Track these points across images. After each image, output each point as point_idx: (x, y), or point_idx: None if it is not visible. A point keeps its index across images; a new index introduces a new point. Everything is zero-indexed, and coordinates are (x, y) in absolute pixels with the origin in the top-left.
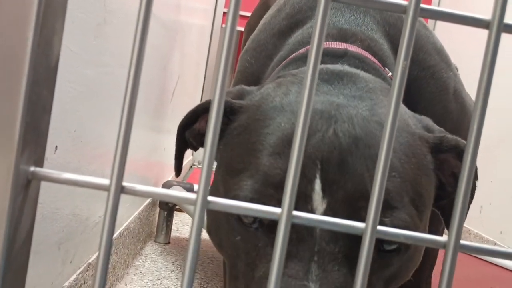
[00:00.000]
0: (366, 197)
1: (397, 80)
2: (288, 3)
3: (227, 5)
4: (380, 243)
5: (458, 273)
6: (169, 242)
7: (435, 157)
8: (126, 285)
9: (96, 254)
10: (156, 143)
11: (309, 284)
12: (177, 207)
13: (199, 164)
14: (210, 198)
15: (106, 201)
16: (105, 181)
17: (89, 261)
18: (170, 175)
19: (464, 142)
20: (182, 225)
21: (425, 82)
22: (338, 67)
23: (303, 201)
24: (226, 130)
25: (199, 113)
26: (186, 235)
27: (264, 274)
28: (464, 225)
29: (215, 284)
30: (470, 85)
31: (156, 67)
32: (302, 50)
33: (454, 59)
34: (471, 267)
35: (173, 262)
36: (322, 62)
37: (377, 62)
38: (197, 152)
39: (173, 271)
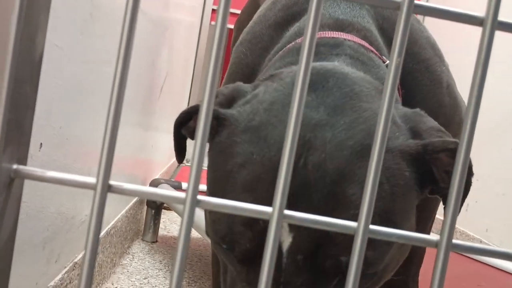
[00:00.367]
0: (324, 236)
1: (390, 78)
2: None
3: (216, 2)
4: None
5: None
6: (156, 241)
7: (426, 158)
8: (113, 284)
9: (82, 253)
10: (144, 140)
11: None
12: (165, 205)
13: (187, 162)
14: (199, 197)
15: (92, 199)
16: (92, 180)
17: (75, 260)
18: (158, 173)
19: (453, 140)
20: (170, 224)
21: (420, 75)
22: (327, 65)
23: None
24: (213, 139)
25: (192, 113)
26: (174, 234)
27: None
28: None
29: (203, 283)
30: (457, 82)
31: (144, 63)
32: (298, 40)
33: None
34: (457, 265)
35: (160, 261)
36: (318, 52)
37: (374, 50)
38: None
39: (160, 269)
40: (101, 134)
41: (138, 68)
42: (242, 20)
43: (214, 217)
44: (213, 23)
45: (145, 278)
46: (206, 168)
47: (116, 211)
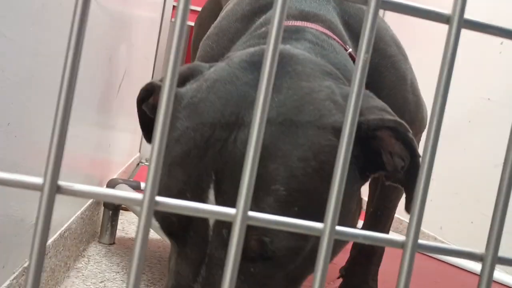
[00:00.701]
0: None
1: (358, 73)
2: None
3: None
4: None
5: None
6: (114, 243)
7: (363, 137)
8: None
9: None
10: (101, 139)
11: (194, 286)
12: (123, 205)
13: (146, 161)
14: (158, 198)
15: (39, 201)
16: (38, 180)
17: (25, 265)
18: (116, 173)
19: (392, 118)
20: (128, 225)
21: (386, 70)
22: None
23: None
24: None
25: (152, 91)
26: (132, 235)
27: (173, 268)
28: (407, 221)
29: (162, 285)
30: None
31: (100, 58)
32: (263, 29)
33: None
34: (414, 262)
35: (118, 264)
36: None
37: (337, 38)
38: (144, 149)
39: (118, 272)
40: None
41: (95, 64)
42: (203, 17)
43: None
44: (174, 19)
45: (101, 282)
46: None
47: (71, 212)
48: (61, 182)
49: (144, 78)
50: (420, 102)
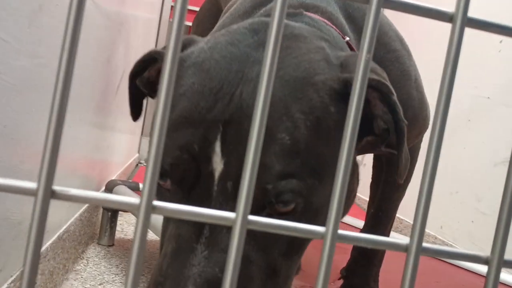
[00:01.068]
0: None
1: (360, 73)
2: None
3: None
4: (275, 205)
5: (403, 268)
6: (113, 244)
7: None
8: None
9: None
10: (99, 140)
11: (197, 246)
12: None
13: (145, 162)
14: (155, 202)
15: (33, 206)
16: (32, 185)
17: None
18: (115, 174)
19: (377, 78)
20: (128, 226)
21: (390, 64)
22: None
23: (205, 163)
24: None
25: (147, 63)
26: (132, 236)
27: (171, 230)
28: (407, 220)
29: None
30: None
31: (98, 60)
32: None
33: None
34: None
35: (117, 265)
36: None
37: (335, 28)
38: (143, 150)
39: (117, 274)
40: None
41: (92, 65)
42: (201, 17)
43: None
44: (172, 20)
45: (100, 284)
46: None
47: (69, 214)
48: (56, 187)
49: None
50: (424, 99)
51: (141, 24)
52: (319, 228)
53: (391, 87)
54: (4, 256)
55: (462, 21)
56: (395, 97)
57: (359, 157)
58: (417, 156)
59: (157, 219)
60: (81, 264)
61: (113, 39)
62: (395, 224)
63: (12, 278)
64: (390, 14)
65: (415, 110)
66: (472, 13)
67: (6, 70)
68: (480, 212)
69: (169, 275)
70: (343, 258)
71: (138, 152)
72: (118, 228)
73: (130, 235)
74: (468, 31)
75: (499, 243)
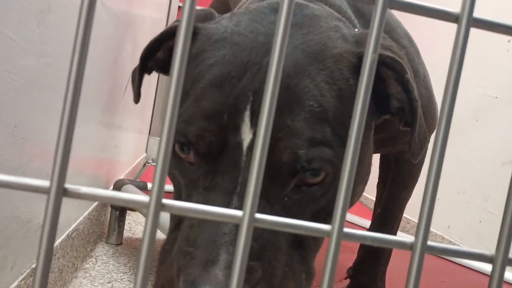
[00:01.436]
0: (283, 128)
1: (365, 73)
2: None
3: None
4: (306, 172)
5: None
6: (121, 243)
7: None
8: None
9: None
10: (107, 139)
11: None
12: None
13: (153, 162)
14: (164, 201)
15: (45, 204)
16: (45, 183)
17: (33, 266)
18: (123, 173)
19: (390, 55)
20: (135, 225)
21: None
22: None
23: (233, 133)
24: None
25: (162, 41)
26: (140, 235)
27: (202, 202)
28: (414, 220)
29: None
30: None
31: (106, 59)
32: None
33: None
34: None
35: (125, 264)
36: None
37: (342, 18)
38: (151, 149)
39: (125, 273)
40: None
41: (100, 65)
42: None
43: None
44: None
45: (108, 282)
46: None
47: (78, 213)
48: (68, 185)
49: (149, 79)
50: (432, 98)
51: (148, 24)
52: (325, 226)
53: (405, 65)
54: (14, 254)
55: (467, 21)
56: (408, 76)
57: None
58: (425, 156)
59: (165, 219)
60: (90, 263)
61: (121, 39)
62: (402, 224)
63: (23, 276)
64: (397, 14)
65: (423, 108)
66: (477, 13)
67: (14, 70)
68: (488, 211)
69: (199, 244)
70: (349, 258)
71: (146, 151)
72: (126, 227)
73: (138, 234)
74: (475, 31)
75: (504, 241)
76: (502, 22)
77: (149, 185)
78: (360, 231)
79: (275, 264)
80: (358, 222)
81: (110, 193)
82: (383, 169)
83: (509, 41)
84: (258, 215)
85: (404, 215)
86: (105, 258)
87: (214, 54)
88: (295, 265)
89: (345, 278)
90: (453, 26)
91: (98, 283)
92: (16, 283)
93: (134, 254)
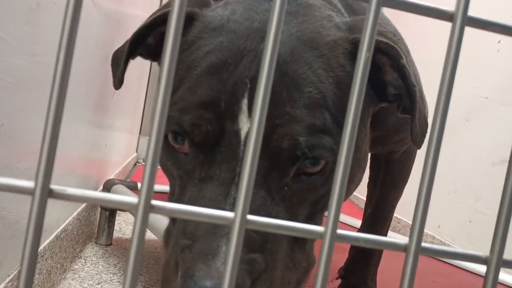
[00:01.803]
0: (282, 114)
1: (359, 72)
2: None
3: None
4: (306, 159)
5: (401, 267)
6: (111, 244)
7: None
8: None
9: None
10: (97, 139)
11: (226, 207)
12: None
13: (143, 161)
14: (154, 202)
15: (30, 205)
16: (30, 184)
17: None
18: (113, 173)
19: (384, 40)
20: (125, 225)
21: None
22: None
23: (230, 121)
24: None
25: (153, 27)
26: (130, 236)
27: (192, 196)
28: (405, 220)
29: (160, 286)
30: None
31: (96, 58)
32: None
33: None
34: None
35: (115, 265)
36: None
37: (334, 8)
38: (141, 149)
39: (115, 274)
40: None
41: (91, 64)
42: None
43: (170, 105)
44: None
45: (98, 284)
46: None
47: (67, 213)
48: (54, 186)
49: (141, 77)
50: (423, 96)
51: (140, 22)
52: (318, 228)
53: (400, 50)
54: (1, 255)
55: (462, 20)
56: (404, 61)
57: None
58: (414, 156)
59: (156, 219)
60: (79, 264)
61: (112, 38)
62: (393, 223)
63: (10, 277)
64: (389, 13)
65: None
66: (472, 12)
67: (3, 68)
68: (478, 211)
69: (198, 236)
70: (341, 258)
71: (137, 151)
72: (116, 227)
73: (128, 235)
74: (467, 31)
75: (498, 242)
76: (496, 21)
77: (139, 185)
78: (353, 233)
79: (276, 256)
80: (349, 222)
81: (97, 194)
82: (373, 169)
83: (499, 41)
84: (250, 217)
85: (395, 214)
86: (95, 259)
87: (211, 42)
88: (295, 255)
89: (337, 278)
90: (445, 26)
91: (87, 284)
92: (3, 284)
93: (124, 255)
